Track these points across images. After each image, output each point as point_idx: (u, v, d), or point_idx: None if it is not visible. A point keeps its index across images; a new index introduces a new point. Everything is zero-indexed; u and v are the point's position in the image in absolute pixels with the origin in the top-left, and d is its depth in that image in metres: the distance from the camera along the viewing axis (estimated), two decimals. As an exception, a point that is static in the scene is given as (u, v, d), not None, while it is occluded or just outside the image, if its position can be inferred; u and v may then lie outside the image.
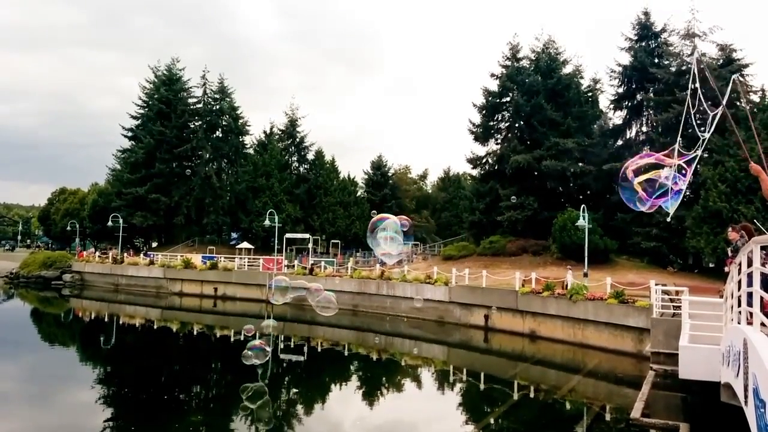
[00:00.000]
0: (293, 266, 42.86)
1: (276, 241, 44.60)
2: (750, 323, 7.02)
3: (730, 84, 12.34)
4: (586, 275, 28.59)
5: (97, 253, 54.13)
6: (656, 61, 42.95)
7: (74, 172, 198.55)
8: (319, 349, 25.05)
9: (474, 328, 28.30)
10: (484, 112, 48.95)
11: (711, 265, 34.74)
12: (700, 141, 6.24)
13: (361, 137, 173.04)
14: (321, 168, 63.11)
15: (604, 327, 22.56)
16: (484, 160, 49.29)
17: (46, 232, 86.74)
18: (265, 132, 65.78)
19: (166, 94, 60.20)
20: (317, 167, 63.49)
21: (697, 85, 6.43)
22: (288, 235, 47.35)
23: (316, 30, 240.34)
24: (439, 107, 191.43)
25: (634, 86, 44.74)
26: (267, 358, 9.40)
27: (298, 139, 64.87)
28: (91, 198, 69.05)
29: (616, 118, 47.54)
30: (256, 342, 9.21)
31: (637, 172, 7.58)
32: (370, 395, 17.48)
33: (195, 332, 28.80)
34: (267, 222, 43.32)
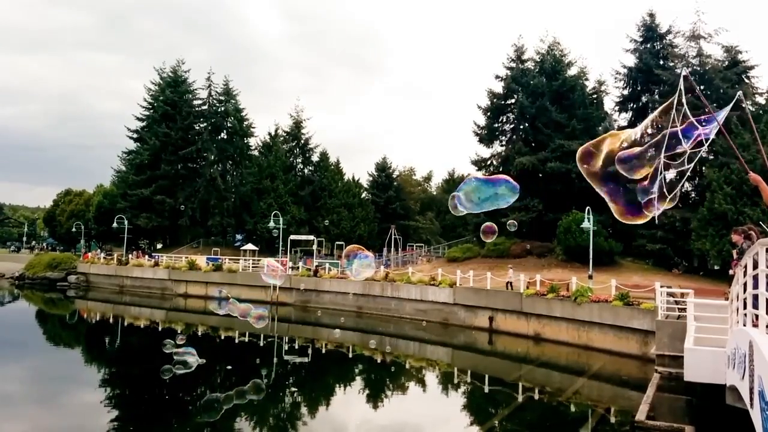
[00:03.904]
0: (298, 268, 42.90)
1: (280, 243, 44.66)
2: (756, 325, 7.00)
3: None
4: (590, 277, 28.53)
5: (102, 255, 54.26)
6: (661, 63, 42.83)
7: (79, 173, 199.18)
8: (323, 351, 25.06)
9: (478, 330, 28.26)
10: (488, 114, 48.93)
11: (716, 267, 34.61)
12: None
13: (366, 139, 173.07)
14: (325, 170, 63.19)
15: (608, 329, 22.50)
16: (488, 162, 49.25)
17: (51, 233, 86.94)
18: (269, 134, 65.89)
19: (171, 96, 60.39)
20: (322, 169, 63.57)
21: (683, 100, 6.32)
22: (292, 237, 47.38)
23: (322, 33, 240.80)
24: (444, 109, 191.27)
25: (639, 88, 44.62)
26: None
27: (302, 141, 65.00)
28: (96, 199, 69.22)
29: (621, 120, 47.39)
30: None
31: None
32: (375, 397, 17.49)
33: (200, 333, 28.84)
34: (271, 223, 43.39)
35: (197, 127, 61.96)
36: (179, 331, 27.32)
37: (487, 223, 8.44)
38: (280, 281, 10.49)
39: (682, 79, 6.32)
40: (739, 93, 7.59)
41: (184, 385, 16.83)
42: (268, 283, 15.38)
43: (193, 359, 9.08)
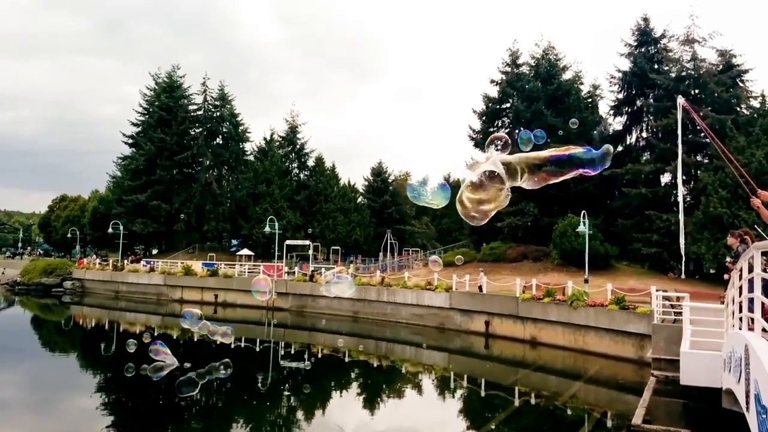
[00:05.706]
0: (294, 273, 42.81)
1: (276, 248, 44.57)
2: (751, 329, 7.00)
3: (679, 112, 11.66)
4: (586, 281, 28.55)
5: (98, 260, 54.04)
6: (656, 66, 43.04)
7: (75, 179, 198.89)
8: (320, 356, 24.98)
9: (475, 334, 28.20)
10: (484, 118, 49.09)
11: (712, 271, 34.69)
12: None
13: (362, 143, 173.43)
14: (321, 174, 63.24)
15: (604, 333, 22.48)
16: (484, 167, 49.32)
17: (46, 239, 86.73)
18: (265, 138, 66.01)
19: (166, 101, 60.39)
20: (317, 174, 63.62)
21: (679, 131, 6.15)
22: (288, 242, 47.29)
23: (318, 37, 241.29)
24: (440, 113, 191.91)
25: (633, 92, 44.82)
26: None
27: (298, 146, 65.06)
28: (91, 205, 69.09)
29: (616, 124, 47.70)
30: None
31: None
32: (371, 402, 17.43)
33: (195, 339, 28.73)
34: (267, 229, 43.31)
35: (193, 133, 62.00)
36: (153, 332, 27.30)
37: (432, 257, 9.75)
38: (265, 297, 10.36)
39: (680, 108, 6.23)
40: (680, 99, 7.29)
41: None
42: (257, 299, 15.49)
43: (170, 360, 8.87)
